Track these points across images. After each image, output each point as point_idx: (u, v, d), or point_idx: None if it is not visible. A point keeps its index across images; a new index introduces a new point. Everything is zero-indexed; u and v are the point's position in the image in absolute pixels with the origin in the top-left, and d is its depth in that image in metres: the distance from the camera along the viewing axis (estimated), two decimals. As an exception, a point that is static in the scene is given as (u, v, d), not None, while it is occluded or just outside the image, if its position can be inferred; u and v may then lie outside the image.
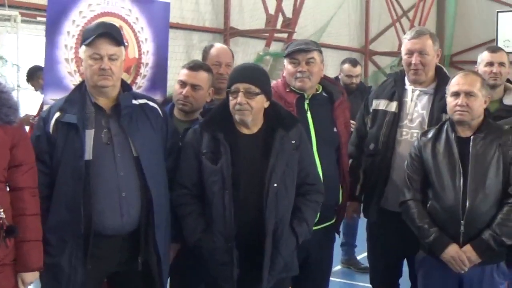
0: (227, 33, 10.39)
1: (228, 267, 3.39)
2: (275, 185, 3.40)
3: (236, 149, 3.45)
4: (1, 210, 3.02)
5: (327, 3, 12.42)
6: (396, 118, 4.14)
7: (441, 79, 4.10)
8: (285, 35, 11.08)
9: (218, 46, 4.60)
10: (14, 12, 7.37)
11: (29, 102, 7.23)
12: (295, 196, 3.56)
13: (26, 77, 6.97)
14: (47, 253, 3.23)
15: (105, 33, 3.27)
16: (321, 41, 11.54)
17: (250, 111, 3.42)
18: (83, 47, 3.32)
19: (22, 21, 7.40)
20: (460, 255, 3.57)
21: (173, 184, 3.52)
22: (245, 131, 3.51)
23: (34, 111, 6.30)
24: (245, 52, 10.61)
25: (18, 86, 7.14)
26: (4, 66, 7.37)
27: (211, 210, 3.42)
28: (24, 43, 7.34)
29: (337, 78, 6.97)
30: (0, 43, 7.79)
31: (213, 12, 10.24)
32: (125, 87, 3.47)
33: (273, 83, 3.83)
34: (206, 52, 4.52)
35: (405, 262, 4.36)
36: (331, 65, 9.69)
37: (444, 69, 4.27)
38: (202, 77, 3.91)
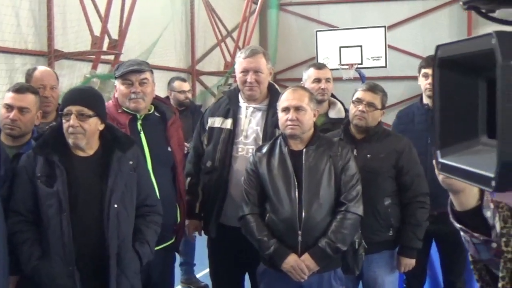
0: (52, 55, 10.08)
1: None
2: (115, 206, 3.38)
3: (72, 172, 3.40)
4: None
5: (153, 25, 12.41)
6: (232, 135, 4.22)
7: (273, 96, 4.23)
8: (112, 57, 10.95)
9: (42, 69, 4.50)
10: None
11: None
12: (135, 217, 3.54)
13: None
14: None
15: None
16: (148, 62, 11.53)
17: (83, 134, 3.39)
18: None
19: None
20: (299, 264, 3.68)
21: (8, 212, 3.37)
22: (80, 153, 3.47)
23: None
24: (71, 75, 10.33)
25: None
26: None
27: (48, 234, 3.33)
28: None
29: (167, 98, 7.00)
30: None
31: (36, 34, 9.88)
32: None
33: None
34: (29, 75, 4.40)
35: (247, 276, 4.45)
36: (159, 86, 9.67)
37: (276, 86, 4.42)
38: (29, 99, 3.79)
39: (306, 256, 3.69)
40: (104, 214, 3.37)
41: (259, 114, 4.25)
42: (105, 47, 10.64)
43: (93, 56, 10.61)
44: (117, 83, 3.98)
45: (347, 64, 13.68)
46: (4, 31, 9.08)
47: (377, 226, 4.14)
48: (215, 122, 4.31)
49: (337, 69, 13.15)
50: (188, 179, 4.39)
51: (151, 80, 4.00)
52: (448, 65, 1.22)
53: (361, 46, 13.75)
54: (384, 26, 13.98)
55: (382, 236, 4.18)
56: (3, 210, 3.33)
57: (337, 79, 13.08)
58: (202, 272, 7.03)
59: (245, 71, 4.21)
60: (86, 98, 3.46)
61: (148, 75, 3.98)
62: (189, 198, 4.32)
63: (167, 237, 4.05)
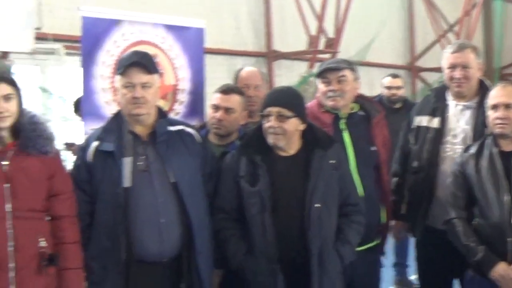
0: (270, 56, 10.39)
1: None
2: (316, 205, 3.38)
3: (274, 171, 3.44)
4: (42, 239, 3.06)
5: (369, 21, 12.30)
6: (439, 134, 4.05)
7: (484, 93, 3.99)
8: (328, 56, 11.05)
9: (248, 69, 4.59)
10: (58, 45, 7.53)
11: (76, 132, 7.32)
12: (338, 217, 3.51)
13: (73, 108, 7.11)
14: (90, 281, 3.26)
15: (136, 62, 3.30)
16: (366, 59, 11.46)
17: (283, 134, 3.42)
18: (118, 77, 3.36)
19: (66, 53, 7.54)
20: (510, 273, 3.44)
21: (213, 209, 3.52)
22: (282, 153, 3.50)
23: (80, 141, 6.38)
24: (289, 75, 10.59)
25: (64, 117, 7.24)
26: (50, 98, 7.51)
27: (251, 232, 3.41)
28: (69, 75, 7.49)
29: (381, 96, 6.90)
30: (45, 76, 7.96)
31: (255, 36, 10.26)
32: (161, 114, 3.48)
33: (308, 104, 3.80)
34: (236, 75, 4.53)
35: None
36: (377, 84, 9.62)
37: (487, 82, 4.16)
38: (235, 100, 3.89)
39: None
40: (306, 214, 3.38)
41: (468, 113, 4.03)
42: (321, 46, 10.75)
43: (310, 56, 10.77)
44: (317, 82, 3.98)
45: None
46: (224, 34, 9.53)
47: None
48: (422, 120, 4.16)
49: None
50: (395, 179, 4.28)
51: (350, 78, 3.92)
52: None
53: None
54: None
55: None
56: (209, 207, 3.48)
57: None
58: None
59: (452, 67, 4.02)
60: (285, 99, 3.48)
61: (347, 73, 3.90)
62: (395, 198, 4.22)
63: (370, 238, 3.96)
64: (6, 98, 3.00)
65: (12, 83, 3.06)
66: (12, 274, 2.97)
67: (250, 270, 3.41)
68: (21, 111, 3.09)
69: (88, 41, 3.93)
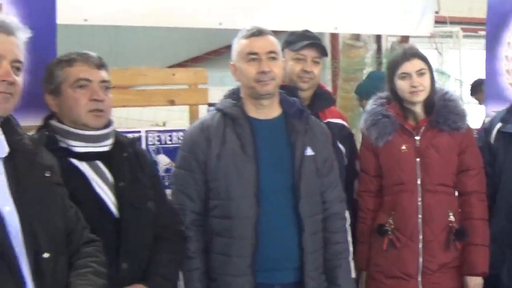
0: None
1: None
2: None
3: None
4: (451, 213, 3.13)
5: None
6: None
7: None
8: None
9: None
10: (456, 28, 7.56)
11: (472, 115, 7.30)
12: None
13: (469, 91, 7.09)
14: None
15: None
16: None
17: None
18: None
19: (464, 36, 7.54)
20: None
21: None
22: None
23: (477, 124, 6.34)
24: None
25: (461, 100, 7.25)
26: (447, 81, 7.59)
27: None
28: (466, 58, 7.48)
29: None
30: (443, 59, 8.06)
31: None
32: None
33: None
34: None
35: None
36: None
37: None
38: None
39: None
40: None
41: None
42: None
43: None
44: None
45: None
46: None
47: None
48: None
49: None
50: None
51: None
52: None
53: None
54: None
55: None
56: None
57: None
58: None
59: None
60: None
61: None
62: None
63: None
64: (420, 73, 3.12)
65: (424, 59, 3.17)
66: (420, 246, 3.10)
67: None
68: (433, 88, 3.18)
69: (493, 21, 3.88)
